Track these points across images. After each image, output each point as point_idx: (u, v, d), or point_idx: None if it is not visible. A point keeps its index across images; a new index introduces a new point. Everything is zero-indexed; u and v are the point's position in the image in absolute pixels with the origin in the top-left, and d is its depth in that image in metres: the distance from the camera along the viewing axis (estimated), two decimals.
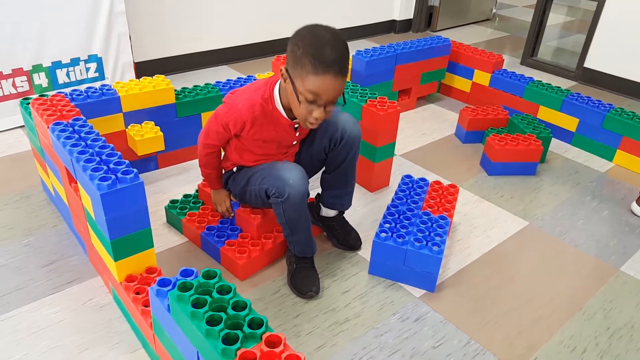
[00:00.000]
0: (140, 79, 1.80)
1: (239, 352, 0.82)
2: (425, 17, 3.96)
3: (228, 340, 0.85)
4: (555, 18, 4.53)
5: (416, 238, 1.41)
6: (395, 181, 1.91)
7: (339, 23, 3.55)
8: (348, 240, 1.57)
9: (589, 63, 3.06)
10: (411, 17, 3.95)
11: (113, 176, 1.09)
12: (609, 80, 3.00)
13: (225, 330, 0.86)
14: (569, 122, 2.29)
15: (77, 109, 1.42)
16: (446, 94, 2.79)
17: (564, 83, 3.10)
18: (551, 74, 3.23)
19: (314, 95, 1.16)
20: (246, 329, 0.86)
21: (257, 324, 0.88)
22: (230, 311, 0.89)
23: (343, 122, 1.39)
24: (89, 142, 1.24)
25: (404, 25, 3.95)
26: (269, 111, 1.30)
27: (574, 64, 3.15)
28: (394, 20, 3.91)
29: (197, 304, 0.90)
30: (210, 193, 1.56)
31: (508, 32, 4.17)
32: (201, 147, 1.40)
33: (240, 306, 0.91)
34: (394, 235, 1.42)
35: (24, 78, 2.18)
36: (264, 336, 0.85)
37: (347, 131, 1.38)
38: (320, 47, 1.12)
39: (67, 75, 2.29)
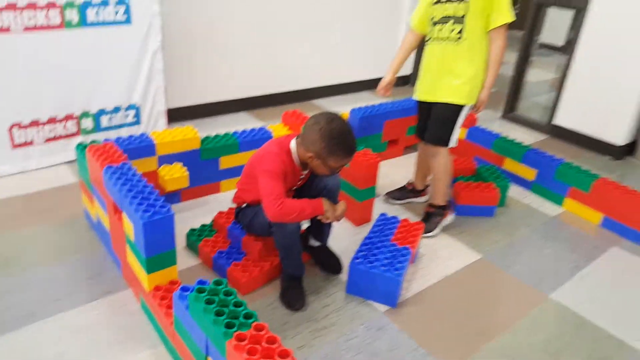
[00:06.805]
0: (174, 129, 2.22)
1: (235, 334, 1.20)
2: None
3: (228, 326, 1.22)
4: (539, 74, 4.86)
5: (382, 264, 1.78)
6: (376, 217, 2.28)
7: (349, 77, 4.04)
8: (330, 266, 1.94)
9: (557, 120, 3.43)
10: (409, 73, 4.39)
11: (152, 209, 1.49)
12: (573, 135, 3.36)
13: (227, 320, 1.23)
14: (529, 173, 2.67)
15: (125, 155, 1.84)
16: None
17: (536, 137, 3.49)
18: (527, 128, 3.62)
19: (342, 167, 1.68)
20: (241, 319, 1.24)
21: (249, 316, 1.26)
22: (231, 307, 1.27)
23: (326, 178, 1.80)
24: (134, 182, 1.65)
25: (402, 80, 4.37)
26: (290, 163, 1.72)
27: (547, 119, 3.51)
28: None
29: (208, 302, 1.28)
30: (323, 206, 1.69)
31: (494, 87, 4.55)
32: (281, 213, 1.60)
33: (238, 304, 1.29)
34: (366, 261, 1.79)
35: (74, 122, 2.61)
36: (253, 324, 1.23)
37: (327, 184, 1.80)
38: (344, 140, 1.62)
39: (109, 120, 2.73)
